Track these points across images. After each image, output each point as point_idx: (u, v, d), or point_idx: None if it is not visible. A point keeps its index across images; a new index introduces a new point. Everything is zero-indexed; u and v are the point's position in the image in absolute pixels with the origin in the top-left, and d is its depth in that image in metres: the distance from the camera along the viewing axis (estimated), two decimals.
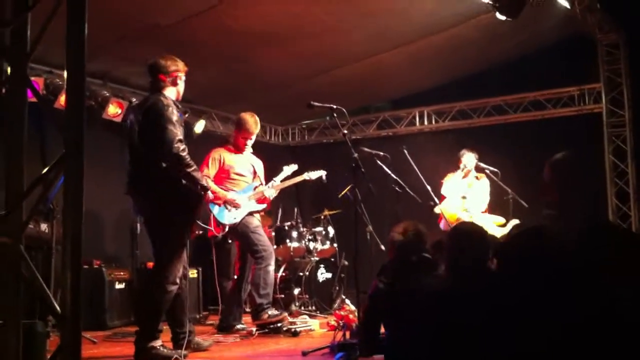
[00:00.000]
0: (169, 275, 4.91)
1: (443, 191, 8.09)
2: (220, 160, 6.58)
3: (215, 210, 6.45)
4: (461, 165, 8.15)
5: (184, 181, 4.93)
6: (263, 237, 6.55)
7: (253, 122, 6.60)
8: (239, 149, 6.69)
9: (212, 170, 6.54)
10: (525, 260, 2.63)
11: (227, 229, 6.47)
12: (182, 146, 4.89)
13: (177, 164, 4.88)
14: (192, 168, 4.96)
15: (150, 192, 4.96)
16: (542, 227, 2.74)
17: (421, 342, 2.89)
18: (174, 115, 4.95)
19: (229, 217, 6.47)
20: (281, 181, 6.92)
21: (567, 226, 2.63)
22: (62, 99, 7.19)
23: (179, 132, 4.92)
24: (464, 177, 8.18)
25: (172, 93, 5.13)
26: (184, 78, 5.23)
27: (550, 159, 2.89)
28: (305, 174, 7.15)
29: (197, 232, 8.04)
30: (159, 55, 5.20)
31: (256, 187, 6.71)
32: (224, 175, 6.59)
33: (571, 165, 2.83)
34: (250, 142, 6.69)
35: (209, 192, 5.16)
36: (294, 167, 7.12)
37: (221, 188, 6.51)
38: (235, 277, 6.77)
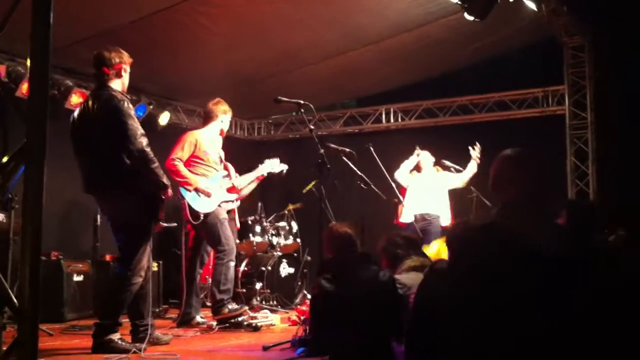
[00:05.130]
0: (134, 269, 4.88)
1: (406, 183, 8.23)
2: (195, 144, 6.46)
3: (189, 197, 6.30)
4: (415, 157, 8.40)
5: (146, 178, 4.87)
6: (228, 231, 6.50)
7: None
8: (216, 136, 6.67)
9: (185, 153, 6.40)
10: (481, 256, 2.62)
11: (202, 217, 6.33)
12: (146, 141, 4.84)
13: (141, 159, 4.81)
14: (156, 164, 4.90)
15: (114, 189, 4.89)
16: (496, 224, 2.71)
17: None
18: (131, 109, 4.91)
19: (205, 205, 6.35)
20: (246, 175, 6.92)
21: (520, 225, 2.61)
22: (24, 87, 7.05)
23: (140, 127, 4.87)
24: (417, 171, 8.43)
25: (117, 85, 5.04)
26: (128, 70, 5.15)
27: (512, 154, 2.87)
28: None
29: (162, 226, 7.96)
30: (103, 48, 5.10)
31: (225, 177, 6.65)
32: (198, 161, 6.45)
33: (535, 162, 2.83)
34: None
35: (169, 190, 5.08)
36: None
37: (192, 173, 6.39)
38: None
